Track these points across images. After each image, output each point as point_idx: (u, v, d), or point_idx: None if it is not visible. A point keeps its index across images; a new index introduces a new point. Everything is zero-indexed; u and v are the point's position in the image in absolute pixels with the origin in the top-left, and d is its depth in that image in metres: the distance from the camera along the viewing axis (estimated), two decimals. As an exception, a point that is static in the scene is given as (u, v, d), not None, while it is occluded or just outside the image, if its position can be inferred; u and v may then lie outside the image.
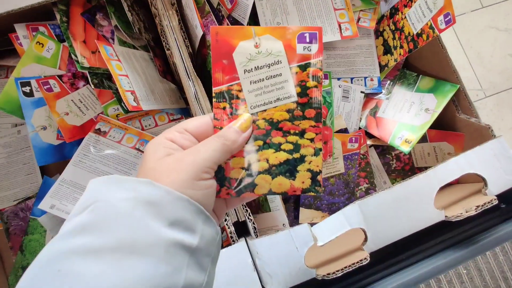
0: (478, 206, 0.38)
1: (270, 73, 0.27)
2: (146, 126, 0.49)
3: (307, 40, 0.27)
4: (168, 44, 0.43)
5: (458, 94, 0.48)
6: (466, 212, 0.39)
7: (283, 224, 0.49)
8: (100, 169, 0.45)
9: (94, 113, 0.48)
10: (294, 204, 0.55)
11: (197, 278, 0.21)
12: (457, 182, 0.50)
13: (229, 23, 0.46)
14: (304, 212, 0.53)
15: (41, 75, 0.45)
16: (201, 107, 0.42)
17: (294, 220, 0.54)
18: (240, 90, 0.27)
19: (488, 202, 0.39)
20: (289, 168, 0.28)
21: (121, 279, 0.18)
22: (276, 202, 0.49)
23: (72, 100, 0.46)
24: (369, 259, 0.37)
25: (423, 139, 0.52)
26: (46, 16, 0.46)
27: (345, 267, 0.37)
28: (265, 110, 0.27)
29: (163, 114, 0.50)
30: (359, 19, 0.53)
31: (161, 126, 0.50)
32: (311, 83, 0.27)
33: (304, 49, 0.27)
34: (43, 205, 0.44)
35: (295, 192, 0.28)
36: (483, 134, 0.45)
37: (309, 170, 0.28)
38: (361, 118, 0.54)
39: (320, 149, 0.28)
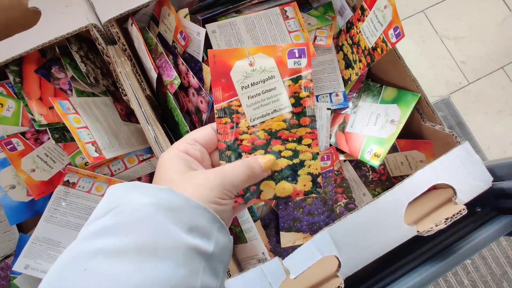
0: (447, 219, 0.38)
1: (266, 88, 0.30)
2: (115, 171, 0.49)
3: (297, 55, 0.30)
4: (124, 90, 0.44)
5: (421, 102, 0.48)
6: (436, 225, 0.38)
7: (262, 253, 0.48)
8: (73, 222, 0.45)
9: (61, 165, 0.48)
10: (275, 229, 0.54)
11: (211, 283, 0.22)
12: (432, 188, 0.50)
13: (183, 61, 0.47)
14: (285, 236, 0.53)
15: (4, 135, 0.45)
16: (162, 150, 0.42)
17: (276, 244, 0.54)
18: (240, 105, 0.30)
19: (457, 213, 0.38)
20: (290, 173, 0.30)
21: (144, 279, 0.19)
22: (253, 232, 0.49)
23: (37, 156, 0.46)
24: (343, 286, 0.37)
25: (394, 149, 0.52)
26: (2, 75, 0.46)
27: (320, 298, 0.36)
28: (263, 122, 0.30)
29: (132, 156, 0.50)
30: (315, 37, 0.53)
31: (131, 168, 0.50)
32: (303, 93, 0.30)
33: (294, 63, 0.30)
34: (18, 266, 0.44)
35: (298, 195, 0.30)
36: (448, 141, 0.44)
37: (309, 173, 0.30)
38: (330, 135, 0.54)
39: (317, 153, 0.30)
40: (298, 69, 0.30)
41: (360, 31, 0.49)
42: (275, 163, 0.30)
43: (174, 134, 0.48)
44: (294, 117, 0.30)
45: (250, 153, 0.30)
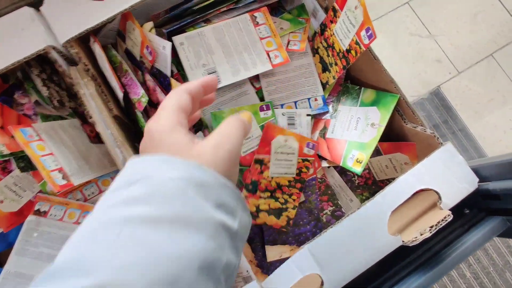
0: (432, 227, 0.36)
1: (286, 158, 0.48)
2: (89, 195, 0.47)
3: (310, 146, 0.48)
4: (88, 112, 0.42)
5: (401, 103, 0.46)
6: (421, 235, 0.36)
7: (247, 271, 0.46)
8: (45, 253, 0.43)
9: (32, 193, 0.46)
10: (260, 243, 0.52)
11: (233, 259, 0.23)
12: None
13: (152, 76, 0.45)
14: (271, 249, 0.51)
15: (-32, 167, 0.43)
16: (132, 173, 0.40)
17: (262, 258, 0.52)
18: (268, 161, 0.48)
19: (442, 220, 0.37)
20: (278, 212, 0.48)
21: (177, 249, 0.19)
22: (236, 249, 0.47)
23: (5, 186, 0.44)
24: (327, 305, 0.35)
25: (377, 153, 0.50)
26: (-36, 104, 0.44)
27: (303, 320, 0.34)
28: (278, 177, 0.48)
29: (106, 178, 0.48)
30: (288, 42, 0.51)
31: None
32: (304, 170, 0.48)
33: (308, 151, 0.48)
34: (-11, 303, 0.42)
35: (274, 226, 0.48)
36: (430, 143, 0.43)
37: (287, 216, 0.48)
38: (312, 142, 0.52)
39: (296, 206, 0.48)
40: (307, 154, 0.48)
41: (333, 33, 0.48)
42: (250, 117, 0.32)
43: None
44: (294, 181, 0.48)
45: (262, 191, 0.47)
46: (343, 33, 0.45)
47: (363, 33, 0.42)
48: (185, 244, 0.20)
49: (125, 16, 0.46)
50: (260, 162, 0.47)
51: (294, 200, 0.47)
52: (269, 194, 0.47)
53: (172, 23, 0.49)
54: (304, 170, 0.47)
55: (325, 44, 0.50)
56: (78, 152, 0.44)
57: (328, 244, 0.37)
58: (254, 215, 0.44)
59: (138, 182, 0.21)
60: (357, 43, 0.43)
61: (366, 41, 0.41)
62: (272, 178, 0.47)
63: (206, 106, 0.36)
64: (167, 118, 0.26)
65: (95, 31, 0.45)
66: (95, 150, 0.47)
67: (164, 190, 0.21)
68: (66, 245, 0.19)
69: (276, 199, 0.47)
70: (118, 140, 0.41)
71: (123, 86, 0.43)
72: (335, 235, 0.37)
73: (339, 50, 0.47)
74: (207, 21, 0.50)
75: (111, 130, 0.41)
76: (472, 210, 0.43)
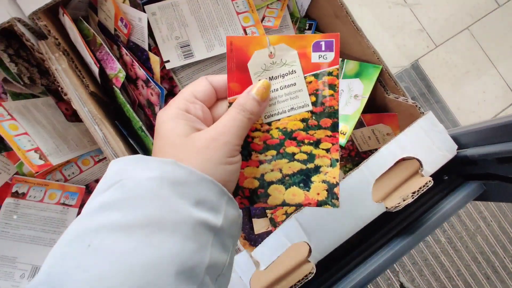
0: (414, 193, 0.38)
1: (285, 83, 0.27)
2: (69, 175, 0.46)
3: (323, 48, 0.26)
4: (63, 89, 0.40)
5: (383, 74, 0.46)
6: (404, 200, 0.38)
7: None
8: (27, 235, 0.42)
9: (8, 175, 0.44)
10: (247, 217, 0.53)
11: (220, 258, 0.21)
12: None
13: (128, 51, 0.43)
14: (258, 222, 0.52)
15: None
16: (114, 151, 0.39)
17: (250, 231, 0.53)
18: None
19: (424, 186, 0.38)
20: (303, 179, 0.27)
21: (150, 255, 0.18)
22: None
23: (-22, 169, 0.42)
24: (314, 271, 0.36)
25: (360, 125, 0.51)
26: None
27: (291, 287, 0.35)
28: (279, 120, 0.27)
29: (86, 157, 0.47)
30: (263, 18, 0.50)
31: (87, 171, 0.47)
32: (326, 91, 0.27)
33: (319, 57, 0.27)
34: (-29, 289, 0.41)
35: (310, 204, 0.27)
36: (412, 113, 0.43)
37: (324, 181, 0.27)
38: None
39: (337, 160, 0.27)
40: (322, 63, 0.26)
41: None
42: (269, 87, 0.26)
43: (127, 131, 0.45)
44: (314, 118, 0.27)
45: (261, 153, 0.27)
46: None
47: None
48: (159, 249, 0.18)
49: (96, -15, 0.43)
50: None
51: (327, 149, 0.27)
52: (274, 152, 0.27)
53: (147, -7, 0.47)
54: (325, 92, 0.27)
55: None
56: (54, 131, 0.42)
57: (315, 214, 0.38)
58: (259, 193, 0.27)
59: (113, 186, 0.20)
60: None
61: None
62: (270, 124, 0.27)
63: None
64: (172, 107, 0.25)
65: (64, 3, 0.42)
66: (72, 129, 0.45)
67: (137, 193, 0.20)
68: (47, 257, 0.19)
69: (291, 156, 0.27)
70: (97, 117, 0.39)
71: (98, 61, 0.41)
72: (321, 204, 0.37)
73: (322, 20, 0.46)
74: (184, -9, 0.48)
75: (88, 107, 0.39)
76: (451, 176, 0.45)
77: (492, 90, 1.30)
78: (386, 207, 0.39)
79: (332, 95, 0.27)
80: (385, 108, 0.49)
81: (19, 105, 0.41)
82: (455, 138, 0.41)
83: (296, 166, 0.27)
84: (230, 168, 0.24)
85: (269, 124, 0.27)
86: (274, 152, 0.27)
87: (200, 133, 0.24)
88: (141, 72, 0.42)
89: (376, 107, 0.50)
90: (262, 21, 0.49)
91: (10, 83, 0.42)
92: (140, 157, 0.22)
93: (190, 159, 0.23)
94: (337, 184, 0.27)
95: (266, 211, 0.51)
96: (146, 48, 0.43)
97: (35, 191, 0.43)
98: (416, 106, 0.42)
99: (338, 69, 0.27)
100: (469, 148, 0.41)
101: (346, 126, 0.47)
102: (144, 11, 0.43)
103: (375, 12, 1.25)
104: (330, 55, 0.26)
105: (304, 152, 0.27)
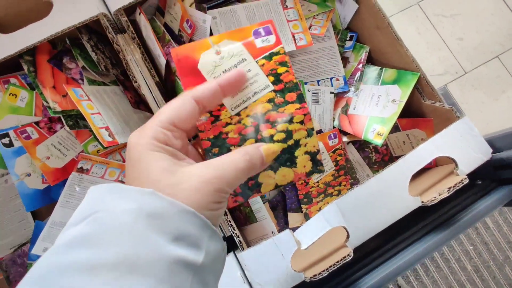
0: (450, 188, 0.40)
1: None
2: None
3: (263, 34, 0.29)
4: (134, 77, 0.45)
5: (421, 81, 0.49)
6: (440, 195, 0.40)
7: (272, 232, 0.50)
8: (87, 206, 0.47)
9: (75, 153, 0.49)
10: (282, 211, 0.56)
11: None
12: (435, 165, 0.51)
13: (190, 48, 0.48)
14: (292, 217, 0.54)
15: (18, 125, 0.47)
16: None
17: (284, 226, 0.56)
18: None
19: (459, 182, 0.40)
20: (288, 157, 0.28)
21: None
22: (262, 212, 0.50)
23: (51, 144, 0.48)
24: (352, 255, 0.38)
25: (395, 129, 0.54)
26: (15, 67, 0.48)
27: (330, 267, 0.38)
28: (246, 107, 0.28)
29: (142, 143, 0.52)
30: (310, 26, 0.55)
31: (142, 155, 0.52)
32: (281, 69, 0.28)
33: (263, 42, 0.29)
34: (36, 249, 0.45)
35: (300, 179, 0.28)
36: (448, 117, 0.46)
37: (306, 152, 0.28)
38: (334, 118, 0.56)
39: (312, 129, 0.28)
40: (268, 46, 0.28)
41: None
42: (276, 151, 0.27)
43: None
44: (278, 95, 0.28)
45: (239, 145, 0.27)
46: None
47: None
48: None
49: (166, -8, 0.49)
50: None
51: (301, 121, 0.29)
52: (253, 140, 0.28)
53: (209, 2, 0.53)
54: (280, 69, 0.29)
55: (350, 26, 0.54)
56: (120, 116, 0.48)
57: (354, 201, 0.40)
58: (250, 185, 0.29)
59: (86, 219, 0.19)
60: (383, 23, 0.46)
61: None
62: (239, 115, 0.28)
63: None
64: (148, 136, 0.22)
65: (141, 4, 0.49)
66: (134, 116, 0.50)
67: (110, 228, 0.18)
68: None
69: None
70: (161, 103, 0.44)
71: (165, 54, 0.47)
72: (361, 192, 0.40)
73: (364, 30, 0.50)
74: (241, 1, 0.54)
75: (155, 93, 0.44)
76: (484, 181, 0.47)
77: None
78: (422, 201, 0.41)
79: (286, 71, 0.28)
80: (421, 113, 0.52)
81: (93, 90, 0.47)
82: (489, 142, 0.43)
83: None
84: (215, 213, 0.22)
85: (238, 114, 0.28)
86: (252, 140, 0.27)
87: (189, 171, 0.22)
88: (201, 66, 0.47)
89: (411, 112, 0.53)
90: (309, 28, 0.54)
91: (87, 71, 0.48)
92: (118, 186, 0.20)
93: (175, 198, 0.20)
94: (318, 151, 0.28)
95: (302, 206, 0.54)
96: (206, 46, 0.48)
97: (98, 168, 0.48)
98: (453, 110, 0.45)
99: (283, 47, 0.29)
100: (504, 151, 0.43)
101: (383, 128, 0.50)
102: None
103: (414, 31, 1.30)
104: (272, 38, 0.29)
105: (281, 131, 0.27)
